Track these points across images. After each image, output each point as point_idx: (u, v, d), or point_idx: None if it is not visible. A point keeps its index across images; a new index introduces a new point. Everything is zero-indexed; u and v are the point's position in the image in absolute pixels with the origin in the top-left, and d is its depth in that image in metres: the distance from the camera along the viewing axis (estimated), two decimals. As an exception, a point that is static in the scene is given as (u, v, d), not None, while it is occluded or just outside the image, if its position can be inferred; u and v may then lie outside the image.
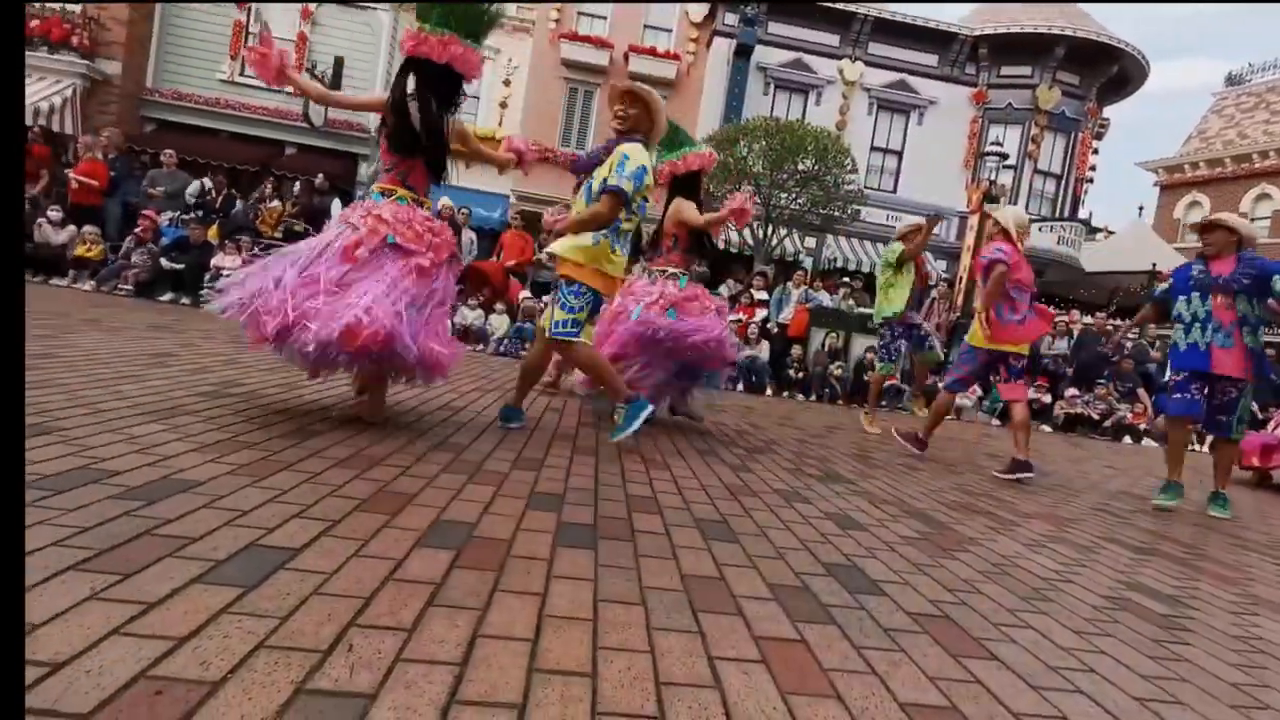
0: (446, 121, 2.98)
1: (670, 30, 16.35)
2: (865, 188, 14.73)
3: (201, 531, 1.53)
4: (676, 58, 16.02)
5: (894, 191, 16.60)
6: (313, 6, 15.05)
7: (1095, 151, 17.50)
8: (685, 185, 4.28)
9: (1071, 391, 9.59)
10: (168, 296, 8.44)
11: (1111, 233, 22.33)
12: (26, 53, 13.19)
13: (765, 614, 1.55)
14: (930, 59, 16.54)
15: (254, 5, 14.96)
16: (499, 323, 8.73)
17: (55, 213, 8.77)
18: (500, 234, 10.38)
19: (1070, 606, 1.95)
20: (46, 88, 13.04)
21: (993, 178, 13.44)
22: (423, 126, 2.90)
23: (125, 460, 1.96)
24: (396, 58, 15.10)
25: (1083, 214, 17.65)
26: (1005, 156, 14.12)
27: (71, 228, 8.76)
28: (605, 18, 16.12)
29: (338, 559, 1.49)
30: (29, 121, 11.90)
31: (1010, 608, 1.85)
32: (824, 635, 1.48)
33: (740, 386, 8.92)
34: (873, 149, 16.52)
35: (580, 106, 16.10)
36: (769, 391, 8.45)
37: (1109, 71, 16.43)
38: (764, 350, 9.04)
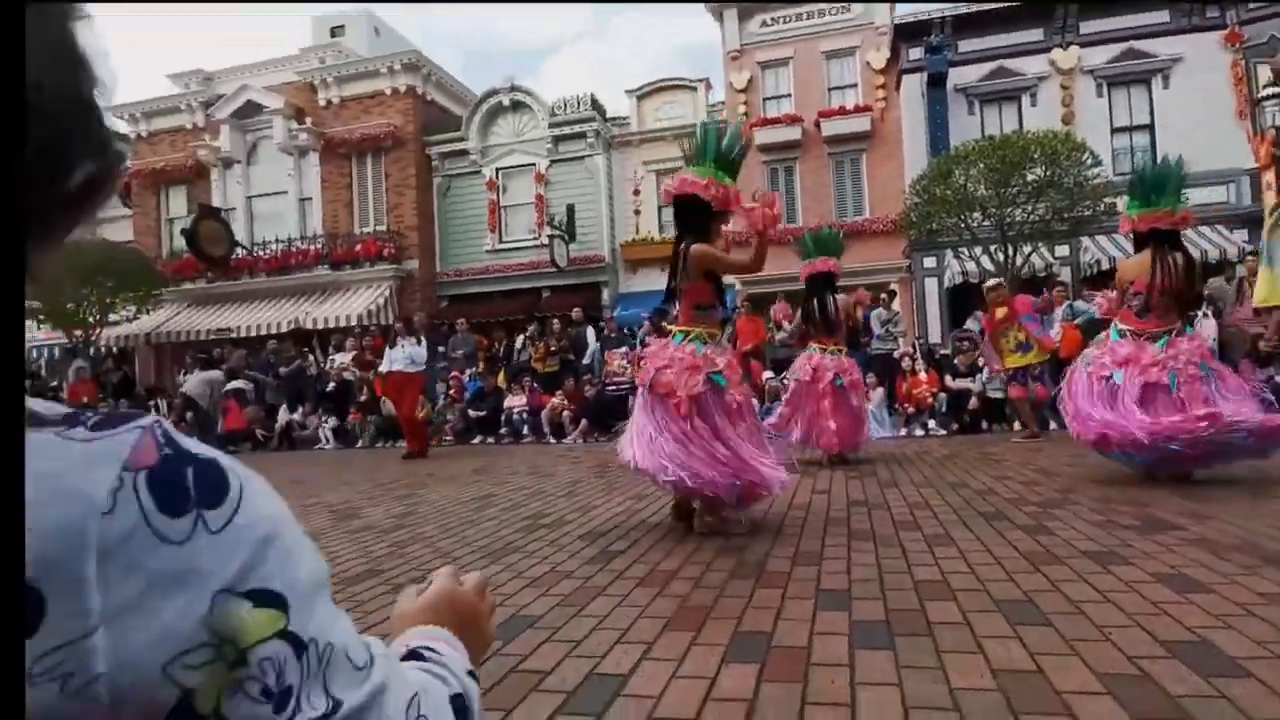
0: None
1: (855, 85, 16.22)
2: (1116, 175, 12.79)
3: (550, 665, 1.85)
4: (868, 109, 15.75)
5: (1152, 171, 14.09)
6: (544, 169, 17.68)
7: None
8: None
9: None
10: (477, 439, 10.16)
11: None
12: (360, 271, 17.24)
13: (1101, 711, 1.44)
14: (1159, 16, 14.21)
15: (501, 184, 18.04)
16: (749, 410, 8.96)
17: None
18: (733, 321, 10.81)
19: None
20: (374, 293, 16.86)
21: (1278, 122, 10.98)
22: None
23: (483, 602, 2.43)
24: (617, 197, 17.08)
25: None
26: (1286, 94, 11.50)
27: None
28: (790, 95, 16.53)
29: (660, 681, 1.71)
30: (366, 323, 15.37)
31: None
32: (1176, 733, 1.34)
33: (1017, 426, 8.01)
34: (1114, 131, 14.39)
35: (783, 183, 16.44)
36: (1052, 426, 7.44)
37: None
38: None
